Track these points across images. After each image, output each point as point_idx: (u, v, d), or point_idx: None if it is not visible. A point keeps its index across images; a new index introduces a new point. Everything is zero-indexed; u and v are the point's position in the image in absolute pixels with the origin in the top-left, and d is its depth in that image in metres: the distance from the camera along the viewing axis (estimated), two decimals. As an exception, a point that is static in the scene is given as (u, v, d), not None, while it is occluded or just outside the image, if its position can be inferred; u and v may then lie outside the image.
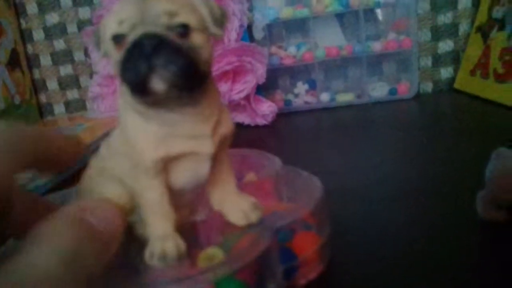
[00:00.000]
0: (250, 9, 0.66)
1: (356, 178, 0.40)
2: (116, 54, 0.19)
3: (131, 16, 0.18)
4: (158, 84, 0.18)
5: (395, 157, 0.45)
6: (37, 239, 0.15)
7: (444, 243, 0.27)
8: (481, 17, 0.63)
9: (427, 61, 0.69)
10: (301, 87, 0.70)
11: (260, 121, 0.62)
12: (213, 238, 0.25)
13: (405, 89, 0.67)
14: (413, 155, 0.44)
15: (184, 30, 0.19)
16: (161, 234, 0.21)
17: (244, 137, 0.58)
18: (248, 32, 0.63)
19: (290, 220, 0.25)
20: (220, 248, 0.23)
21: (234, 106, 0.61)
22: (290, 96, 0.71)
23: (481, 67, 0.60)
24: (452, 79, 0.68)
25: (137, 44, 0.18)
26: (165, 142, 0.20)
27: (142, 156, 0.21)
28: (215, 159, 0.22)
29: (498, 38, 0.58)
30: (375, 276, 0.25)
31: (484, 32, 0.62)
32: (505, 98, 0.54)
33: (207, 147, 0.21)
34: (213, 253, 0.23)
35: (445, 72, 0.69)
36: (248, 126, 0.63)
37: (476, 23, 0.64)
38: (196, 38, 0.19)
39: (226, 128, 0.22)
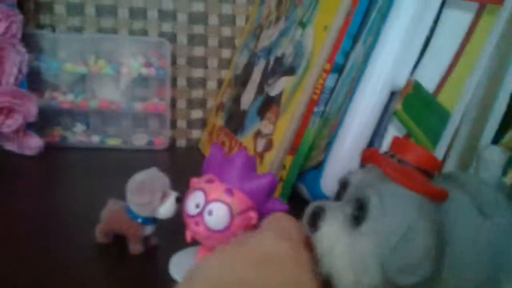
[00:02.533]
0: (38, 60, 0.79)
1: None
2: None
3: None
4: None
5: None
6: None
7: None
8: (218, 98, 0.86)
9: (183, 123, 0.90)
10: (79, 127, 0.85)
11: (28, 152, 0.75)
12: None
13: (160, 142, 0.86)
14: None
15: None
16: None
17: (13, 163, 0.71)
18: (32, 78, 0.76)
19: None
20: None
21: (5, 137, 0.74)
22: (68, 134, 0.84)
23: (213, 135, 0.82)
24: (199, 140, 0.90)
25: None
26: None
27: None
28: None
29: (220, 116, 0.81)
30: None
31: (218, 110, 0.85)
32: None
33: None
34: None
35: (196, 134, 0.90)
36: (18, 154, 0.75)
37: (216, 102, 0.87)
38: None
39: None
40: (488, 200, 0.29)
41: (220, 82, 0.88)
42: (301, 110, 0.50)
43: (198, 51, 0.86)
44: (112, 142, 0.85)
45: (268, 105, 0.57)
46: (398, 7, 0.49)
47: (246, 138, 0.61)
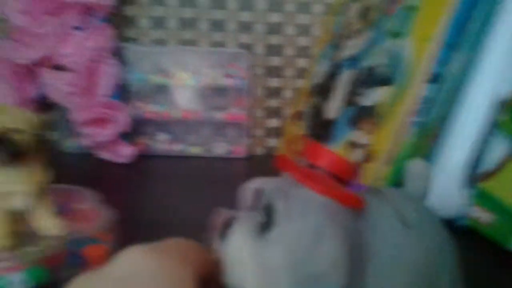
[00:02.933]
0: (125, 72, 0.83)
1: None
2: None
3: None
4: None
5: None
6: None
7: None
8: (295, 107, 0.87)
9: (260, 132, 0.92)
10: (162, 136, 0.89)
11: (122, 160, 0.79)
12: (33, 241, 0.42)
13: (239, 150, 0.88)
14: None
15: (14, 131, 0.36)
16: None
17: (108, 171, 0.75)
18: (121, 90, 0.81)
19: (83, 235, 0.43)
20: (34, 247, 0.40)
21: (100, 146, 0.78)
22: (152, 142, 0.88)
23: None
24: (276, 149, 0.91)
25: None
26: (3, 184, 0.37)
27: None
28: (39, 195, 0.39)
29: (300, 126, 0.82)
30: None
31: (295, 119, 0.86)
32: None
33: (28, 188, 0.38)
34: (29, 250, 0.40)
35: (272, 142, 0.92)
36: (112, 163, 0.79)
37: (293, 111, 0.88)
38: (21, 136, 0.36)
39: (45, 178, 0.40)
40: (407, 211, 0.28)
41: (296, 91, 0.90)
42: (403, 121, 0.51)
43: (275, 61, 0.88)
44: (194, 150, 0.88)
45: (362, 115, 0.58)
46: (502, 15, 0.49)
47: (336, 147, 0.61)
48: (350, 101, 0.63)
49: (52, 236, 0.41)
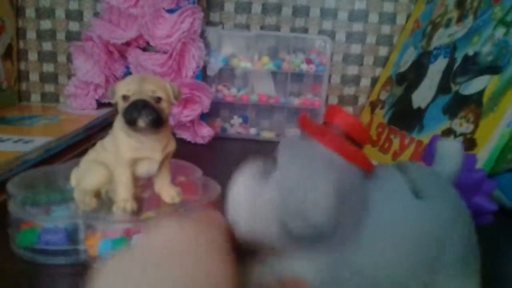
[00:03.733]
0: (207, 55, 0.85)
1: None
2: (123, 104, 0.38)
3: (134, 88, 0.37)
4: (141, 123, 0.37)
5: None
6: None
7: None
8: (373, 95, 0.87)
9: (333, 119, 0.91)
10: (236, 120, 0.90)
11: (199, 141, 0.81)
12: (152, 206, 0.44)
13: (312, 136, 0.88)
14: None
15: (158, 99, 0.38)
16: (123, 198, 0.40)
17: (185, 150, 0.77)
18: (202, 72, 0.82)
19: (194, 205, 0.44)
20: (154, 213, 0.42)
21: (181, 126, 0.80)
22: (227, 125, 0.90)
23: (365, 132, 0.83)
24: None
25: (135, 102, 0.37)
26: (136, 150, 0.39)
27: (122, 155, 0.39)
28: (161, 163, 0.41)
29: (379, 114, 0.81)
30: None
31: (373, 107, 0.85)
32: (372, 156, 0.76)
33: (158, 156, 0.40)
34: (149, 214, 0.42)
35: (345, 130, 0.92)
36: (190, 142, 0.81)
37: (370, 99, 0.88)
38: (163, 104, 0.38)
39: (170, 148, 0.41)
40: (424, 183, 0.28)
41: (373, 80, 0.89)
42: (509, 111, 0.49)
43: (355, 48, 0.88)
44: (267, 134, 0.89)
45: (462, 104, 0.57)
46: None
47: (429, 137, 0.60)
48: (445, 90, 0.62)
49: (170, 204, 0.43)
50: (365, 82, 0.90)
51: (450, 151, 0.29)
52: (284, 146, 0.27)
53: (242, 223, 0.26)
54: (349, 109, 0.91)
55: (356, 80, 0.90)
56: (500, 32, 0.55)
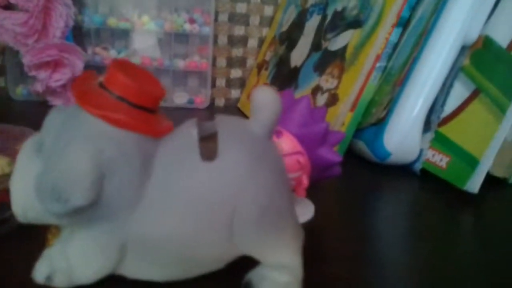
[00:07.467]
0: (81, 13, 0.78)
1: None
2: None
3: None
4: None
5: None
6: None
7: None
8: (260, 57, 0.85)
9: (222, 82, 0.89)
10: (120, 84, 0.84)
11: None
12: None
13: (201, 101, 0.86)
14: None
15: None
16: None
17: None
18: (73, 33, 0.76)
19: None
20: None
21: (52, 92, 0.74)
22: (109, 90, 0.84)
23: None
24: (238, 100, 0.89)
25: None
26: None
27: None
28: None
29: (264, 75, 0.80)
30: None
31: (259, 68, 0.84)
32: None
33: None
34: None
35: (235, 93, 0.90)
36: (64, 109, 0.75)
37: (257, 61, 0.86)
38: None
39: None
40: (222, 141, 0.26)
41: (261, 40, 0.87)
42: (370, 64, 0.50)
43: (241, 7, 0.85)
44: (153, 99, 0.85)
45: (329, 60, 0.57)
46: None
47: (302, 95, 0.60)
48: (316, 47, 0.62)
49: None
50: (253, 42, 0.88)
51: (264, 101, 0.27)
52: (52, 115, 0.25)
53: (14, 204, 0.24)
54: (238, 72, 0.89)
55: (243, 40, 0.88)
56: (362, -14, 0.56)
